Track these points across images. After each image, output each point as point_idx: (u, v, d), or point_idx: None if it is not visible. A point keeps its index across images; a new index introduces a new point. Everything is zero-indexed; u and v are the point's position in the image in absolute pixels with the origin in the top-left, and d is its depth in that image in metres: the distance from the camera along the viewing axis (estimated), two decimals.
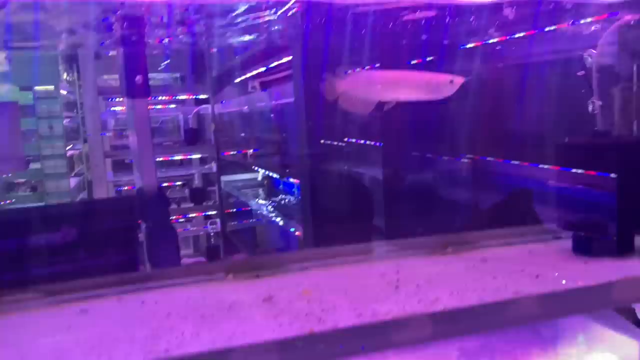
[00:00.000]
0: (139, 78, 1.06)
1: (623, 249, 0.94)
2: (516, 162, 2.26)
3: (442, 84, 1.00)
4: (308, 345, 0.69)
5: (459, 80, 1.00)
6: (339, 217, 2.30)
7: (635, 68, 1.02)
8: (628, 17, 0.94)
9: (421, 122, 2.54)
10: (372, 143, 2.83)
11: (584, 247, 0.96)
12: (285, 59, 3.14)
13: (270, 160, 3.74)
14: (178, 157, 5.09)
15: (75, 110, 4.35)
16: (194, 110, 4.94)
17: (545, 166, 1.97)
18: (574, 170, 1.96)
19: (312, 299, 0.86)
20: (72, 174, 4.22)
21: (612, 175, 0.95)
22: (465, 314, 0.73)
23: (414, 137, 2.60)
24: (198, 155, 5.02)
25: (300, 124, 2.58)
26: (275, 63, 3.37)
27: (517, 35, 1.84)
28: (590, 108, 0.95)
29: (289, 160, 3.25)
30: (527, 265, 0.93)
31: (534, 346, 1.13)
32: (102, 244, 1.04)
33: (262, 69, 3.70)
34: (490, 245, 1.06)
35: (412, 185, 2.57)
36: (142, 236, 1.16)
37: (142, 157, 1.10)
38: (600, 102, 0.95)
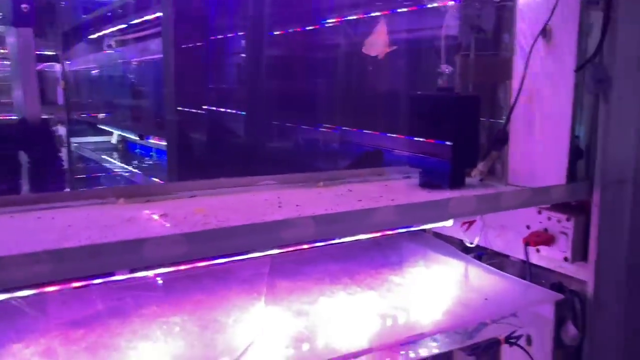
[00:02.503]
0: (25, 6, 1.06)
1: (457, 183, 1.18)
2: (369, 132, 2.48)
3: None
4: (209, 238, 0.81)
5: None
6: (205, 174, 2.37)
7: (473, 40, 1.27)
8: None
9: (283, 93, 2.69)
10: (235, 111, 2.93)
11: (428, 182, 1.18)
12: (149, 17, 3.09)
13: (128, 121, 3.65)
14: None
15: None
16: (38, 67, 4.58)
17: (394, 135, 2.23)
18: (416, 139, 2.23)
19: (206, 215, 0.96)
20: None
21: (448, 143, 1.17)
22: (340, 217, 0.89)
23: (276, 106, 2.75)
24: (43, 116, 4.68)
25: (168, 84, 2.59)
26: (138, 20, 3.30)
27: (373, 14, 2.04)
28: (440, 74, 1.17)
29: (150, 121, 3.22)
30: (385, 193, 1.12)
31: (384, 267, 1.35)
32: None
33: (122, 26, 3.59)
34: (354, 182, 1.24)
35: (273, 152, 2.72)
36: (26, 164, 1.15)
37: (25, 88, 1.09)
38: (448, 69, 1.17)
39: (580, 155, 1.21)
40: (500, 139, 1.14)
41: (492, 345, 1.20)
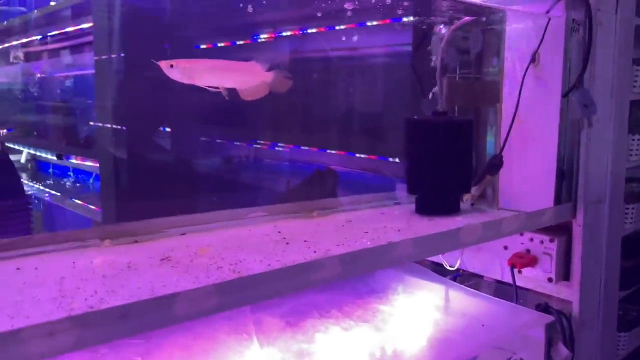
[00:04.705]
0: None
1: (453, 210, 1.16)
2: (306, 148, 2.40)
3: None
4: (240, 288, 0.72)
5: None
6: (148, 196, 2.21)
7: (458, 63, 1.27)
8: (465, 19, 1.16)
9: (211, 109, 2.59)
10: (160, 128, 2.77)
11: (426, 208, 1.15)
12: (69, 28, 2.88)
13: (40, 139, 3.37)
14: None
15: None
16: None
17: (333, 151, 2.17)
18: (358, 155, 2.17)
19: (212, 256, 0.87)
20: None
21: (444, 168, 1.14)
22: (364, 254, 0.84)
23: (204, 123, 2.63)
24: None
25: (102, 99, 2.40)
26: (56, 32, 3.07)
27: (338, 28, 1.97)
28: (430, 96, 1.15)
29: (72, 139, 2.98)
30: (387, 222, 1.08)
31: (369, 296, 1.30)
32: None
33: (36, 37, 3.32)
34: (347, 210, 1.19)
35: (201, 169, 2.60)
36: None
37: None
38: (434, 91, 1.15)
39: (563, 177, 1.24)
40: (497, 164, 1.14)
41: None
